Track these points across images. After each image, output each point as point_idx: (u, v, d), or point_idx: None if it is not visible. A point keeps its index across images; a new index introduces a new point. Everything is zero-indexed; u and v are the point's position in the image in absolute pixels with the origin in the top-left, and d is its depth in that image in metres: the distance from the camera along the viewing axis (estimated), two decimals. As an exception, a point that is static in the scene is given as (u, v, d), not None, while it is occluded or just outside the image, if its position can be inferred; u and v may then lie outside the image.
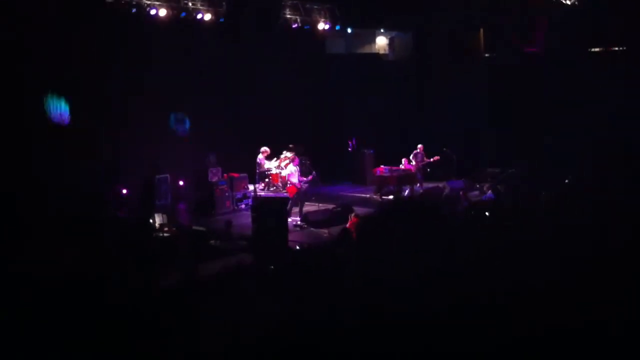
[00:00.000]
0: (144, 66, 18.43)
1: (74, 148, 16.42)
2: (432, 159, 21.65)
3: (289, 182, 18.00)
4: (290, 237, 15.57)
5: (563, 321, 3.16)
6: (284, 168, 20.23)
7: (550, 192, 13.12)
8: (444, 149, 21.88)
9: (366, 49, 26.57)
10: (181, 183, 19.45)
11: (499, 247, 4.83)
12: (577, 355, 3.00)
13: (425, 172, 21.94)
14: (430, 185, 21.35)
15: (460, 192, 18.58)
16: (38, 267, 10.88)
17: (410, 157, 21.50)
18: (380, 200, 20.39)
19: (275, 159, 20.98)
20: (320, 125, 24.05)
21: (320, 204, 18.49)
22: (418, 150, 21.62)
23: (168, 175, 18.79)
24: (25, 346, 5.30)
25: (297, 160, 18.65)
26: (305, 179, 18.17)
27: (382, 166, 21.37)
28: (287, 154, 20.61)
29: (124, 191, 17.45)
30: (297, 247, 14.28)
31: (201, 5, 19.38)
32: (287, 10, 21.57)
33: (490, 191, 17.80)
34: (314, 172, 18.88)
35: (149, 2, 18.00)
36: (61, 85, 16.20)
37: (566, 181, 15.90)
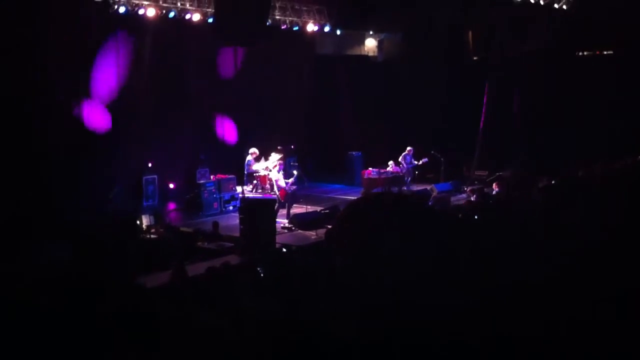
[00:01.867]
0: (133, 66, 18.41)
1: (66, 149, 16.39)
2: (420, 162, 21.64)
3: (277, 186, 17.96)
4: (278, 239, 15.52)
5: (561, 318, 3.14)
6: (272, 170, 20.21)
7: (542, 190, 13.14)
8: (432, 151, 21.88)
9: (355, 51, 26.57)
10: (172, 186, 19.48)
11: (490, 245, 4.82)
12: (576, 353, 2.98)
13: (414, 175, 21.93)
14: (418, 187, 21.34)
15: (432, 197, 18.63)
16: (29, 268, 10.80)
17: (400, 159, 21.49)
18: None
19: (263, 160, 20.94)
20: (309, 126, 24.03)
21: (309, 206, 18.45)
22: (407, 152, 21.61)
23: (156, 176, 18.74)
24: (18, 348, 5.23)
25: (281, 165, 18.67)
26: (289, 181, 18.12)
27: (370, 168, 21.36)
28: (275, 155, 20.58)
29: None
30: (284, 249, 14.20)
31: (190, 5, 19.30)
32: (277, 11, 21.52)
33: (475, 195, 17.77)
34: (295, 172, 18.85)
35: (137, 2, 17.89)
36: (50, 85, 16.07)
37: (553, 182, 15.93)
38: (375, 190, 20.48)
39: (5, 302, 5.86)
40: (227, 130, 21.72)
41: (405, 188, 20.78)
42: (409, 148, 21.65)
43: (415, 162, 21.63)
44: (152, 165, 18.79)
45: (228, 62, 20.81)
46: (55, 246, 12.78)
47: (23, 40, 15.43)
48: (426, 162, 21.66)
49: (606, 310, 3.26)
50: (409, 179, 21.56)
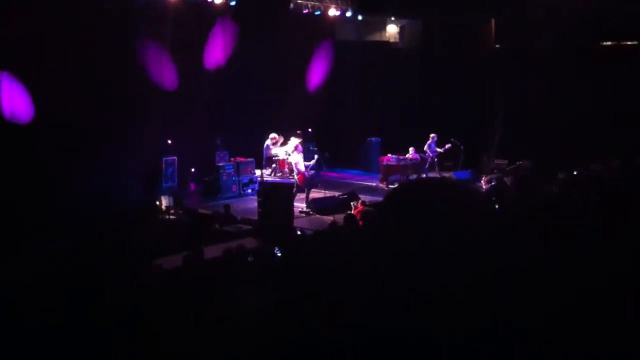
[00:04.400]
0: (154, 48, 18.49)
1: (84, 134, 16.49)
2: (443, 149, 21.49)
3: (296, 170, 17.96)
4: (295, 223, 15.60)
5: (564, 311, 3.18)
6: (291, 154, 20.28)
7: (554, 185, 13.09)
8: (452, 139, 21.77)
9: (376, 37, 26.51)
10: (192, 170, 19.63)
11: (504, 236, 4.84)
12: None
13: (435, 162, 21.77)
14: (436, 175, 21.25)
15: None
16: (29, 267, 10.93)
17: (425, 147, 21.39)
18: (386, 188, 20.36)
19: (282, 144, 21.02)
20: (328, 111, 24.05)
21: (327, 191, 18.49)
22: (431, 140, 21.48)
23: (176, 158, 18.88)
24: (22, 343, 5.30)
25: (299, 147, 18.63)
26: (309, 164, 18.13)
27: (389, 155, 21.31)
28: (294, 139, 20.65)
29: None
30: (298, 232, 14.26)
31: (212, -12, 19.37)
32: (299, -5, 21.56)
33: (488, 184, 17.62)
34: (316, 156, 18.89)
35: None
36: (68, 72, 16.12)
37: (573, 174, 15.84)
38: (393, 178, 20.61)
39: (6, 302, 5.94)
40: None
41: (423, 176, 20.72)
42: (432, 135, 21.51)
43: (439, 150, 21.50)
44: (171, 143, 18.89)
45: (247, 46, 20.82)
46: (58, 242, 12.96)
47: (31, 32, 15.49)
48: (449, 148, 21.50)
49: (605, 307, 3.29)
50: (427, 166, 21.43)
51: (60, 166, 15.80)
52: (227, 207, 16.12)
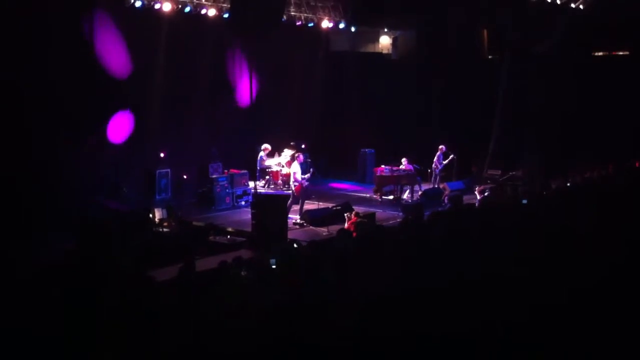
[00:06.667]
0: (148, 60, 18.53)
1: (77, 142, 16.52)
2: (446, 161, 21.34)
3: (294, 181, 17.82)
4: (289, 234, 15.55)
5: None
6: (285, 166, 20.22)
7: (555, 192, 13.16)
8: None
9: (370, 48, 26.57)
10: (185, 177, 19.60)
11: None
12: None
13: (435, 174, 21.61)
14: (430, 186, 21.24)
15: (444, 195, 18.72)
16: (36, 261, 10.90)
17: (435, 159, 21.25)
18: (380, 199, 20.34)
19: (276, 156, 20.99)
20: (322, 123, 24.07)
21: (320, 202, 18.43)
22: (440, 152, 21.32)
23: (169, 170, 18.85)
24: (21, 342, 5.28)
25: (301, 157, 18.49)
26: (305, 176, 18.06)
27: (382, 166, 21.30)
28: (288, 151, 20.63)
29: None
30: (295, 245, 14.21)
31: (205, 0, 19.39)
32: (292, 7, 21.57)
33: (482, 195, 17.65)
34: (312, 169, 18.82)
35: (153, -3, 18.01)
36: (65, 80, 16.13)
37: (568, 184, 15.94)
38: (386, 189, 20.61)
39: (5, 300, 5.91)
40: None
41: (417, 187, 20.71)
42: (441, 147, 21.30)
43: (444, 162, 21.34)
44: (164, 156, 18.89)
45: (242, 57, 20.87)
46: (61, 237, 12.97)
47: (31, 34, 15.50)
48: (453, 159, 21.33)
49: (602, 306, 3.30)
50: (438, 178, 21.31)
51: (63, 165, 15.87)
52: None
